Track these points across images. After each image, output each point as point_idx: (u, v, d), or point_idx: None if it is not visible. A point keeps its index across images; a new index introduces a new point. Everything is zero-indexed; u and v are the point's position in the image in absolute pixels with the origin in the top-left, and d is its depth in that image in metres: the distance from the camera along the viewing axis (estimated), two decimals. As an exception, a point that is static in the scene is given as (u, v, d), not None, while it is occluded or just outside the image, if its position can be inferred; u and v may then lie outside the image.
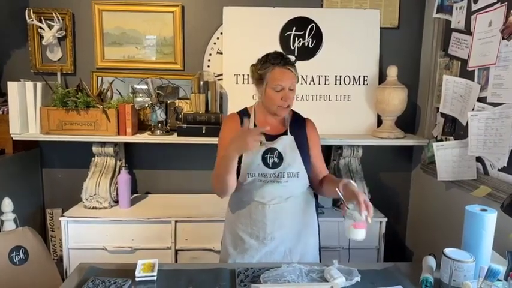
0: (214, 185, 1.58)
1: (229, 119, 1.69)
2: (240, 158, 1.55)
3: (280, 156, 1.58)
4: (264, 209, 1.58)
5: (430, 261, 1.48)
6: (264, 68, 1.56)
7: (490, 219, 1.38)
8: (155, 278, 1.38)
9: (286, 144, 1.60)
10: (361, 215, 1.33)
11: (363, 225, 1.36)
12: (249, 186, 1.59)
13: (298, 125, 1.68)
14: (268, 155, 1.57)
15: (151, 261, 1.45)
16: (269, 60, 1.56)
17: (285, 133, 1.63)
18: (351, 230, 1.36)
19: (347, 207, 1.39)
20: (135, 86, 2.50)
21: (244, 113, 1.69)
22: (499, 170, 1.78)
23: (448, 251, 1.37)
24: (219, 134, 1.68)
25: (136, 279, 1.37)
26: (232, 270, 1.47)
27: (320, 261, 1.71)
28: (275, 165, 1.57)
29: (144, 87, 2.46)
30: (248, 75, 2.49)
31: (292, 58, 1.62)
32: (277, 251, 1.62)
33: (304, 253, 1.64)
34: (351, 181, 1.48)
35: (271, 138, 1.60)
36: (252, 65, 1.64)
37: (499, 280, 1.24)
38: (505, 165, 1.74)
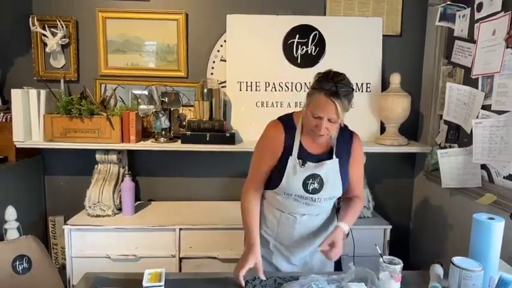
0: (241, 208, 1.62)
1: (272, 129, 1.57)
2: (280, 176, 1.51)
3: (321, 182, 1.51)
4: (294, 221, 1.59)
5: (438, 269, 1.48)
6: (314, 87, 1.43)
7: (497, 227, 1.38)
8: (162, 287, 1.38)
9: (329, 169, 1.51)
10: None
11: (400, 278, 1.39)
12: (283, 200, 1.57)
13: (344, 142, 1.57)
14: (310, 181, 1.50)
15: (158, 271, 1.43)
16: (320, 83, 1.41)
17: (330, 155, 1.54)
18: (391, 283, 1.38)
19: (383, 261, 1.41)
20: (136, 92, 2.50)
21: (288, 122, 1.56)
22: (504, 177, 1.78)
23: (456, 259, 1.37)
24: (259, 140, 1.61)
25: (144, 288, 1.36)
26: (240, 280, 1.46)
27: (341, 269, 1.70)
28: (315, 191, 1.51)
29: (145, 93, 2.46)
30: (251, 82, 2.53)
31: (345, 88, 1.40)
32: (298, 256, 1.65)
33: (324, 260, 1.63)
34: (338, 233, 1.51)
35: (315, 158, 1.53)
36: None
37: (509, 289, 1.24)
38: (511, 173, 1.74)
